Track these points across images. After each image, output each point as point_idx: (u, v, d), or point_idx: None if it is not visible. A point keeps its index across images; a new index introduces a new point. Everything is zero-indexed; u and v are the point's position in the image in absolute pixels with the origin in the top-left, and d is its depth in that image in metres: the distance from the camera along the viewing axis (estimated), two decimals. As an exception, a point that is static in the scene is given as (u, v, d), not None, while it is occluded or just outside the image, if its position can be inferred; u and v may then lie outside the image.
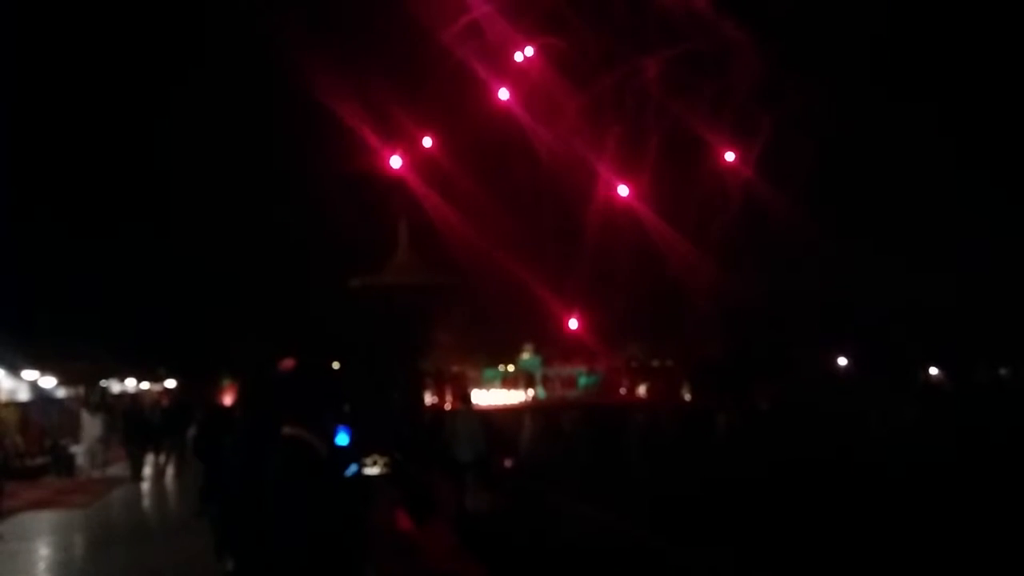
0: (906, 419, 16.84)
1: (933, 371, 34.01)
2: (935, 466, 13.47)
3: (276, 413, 3.85)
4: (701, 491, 12.20)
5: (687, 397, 33.67)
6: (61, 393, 23.10)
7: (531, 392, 35.59)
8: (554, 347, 36.92)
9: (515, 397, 34.30)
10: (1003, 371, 31.49)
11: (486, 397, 31.57)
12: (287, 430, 3.67)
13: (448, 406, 25.70)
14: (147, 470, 17.38)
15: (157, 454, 17.59)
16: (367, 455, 10.41)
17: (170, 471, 17.23)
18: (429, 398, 27.32)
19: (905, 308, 31.55)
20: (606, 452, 16.56)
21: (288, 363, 5.46)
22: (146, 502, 14.90)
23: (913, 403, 18.58)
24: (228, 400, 14.97)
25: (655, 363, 37.60)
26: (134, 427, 17.88)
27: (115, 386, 30.05)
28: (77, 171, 28.88)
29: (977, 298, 30.14)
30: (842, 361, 35.05)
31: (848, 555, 9.30)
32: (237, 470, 4.02)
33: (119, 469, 17.98)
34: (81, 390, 25.23)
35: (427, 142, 33.90)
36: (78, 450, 17.70)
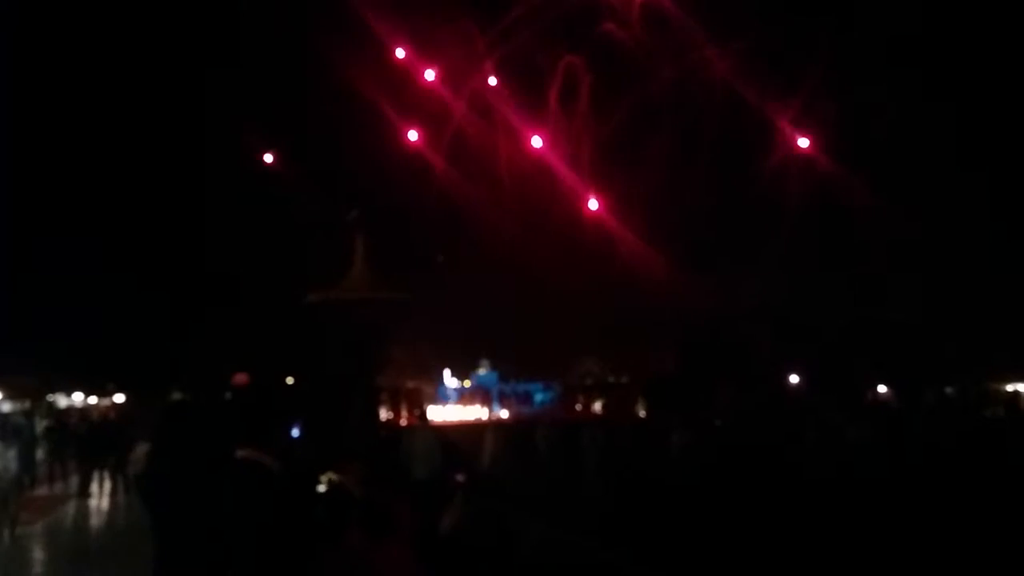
0: (851, 437, 17.12)
1: (881, 389, 34.69)
2: (879, 482, 13.77)
3: (226, 433, 3.82)
4: (654, 508, 12.32)
5: (642, 414, 33.90)
6: (7, 407, 22.56)
7: (487, 408, 35.57)
8: (510, 363, 36.98)
9: (471, 413, 34.21)
10: (949, 390, 32.22)
11: (442, 413, 31.45)
12: (240, 452, 3.66)
13: (404, 422, 25.57)
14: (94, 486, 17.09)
15: (85, 471, 17.16)
16: (324, 472, 10.32)
17: (115, 487, 16.91)
18: (385, 414, 27.15)
19: (855, 326, 32.24)
20: (563, 469, 16.62)
21: (241, 378, 5.43)
22: (92, 520, 14.67)
23: (859, 421, 18.89)
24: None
25: (611, 379, 37.86)
26: (68, 444, 17.66)
27: (62, 400, 29.41)
28: (24, 178, 28.29)
29: (926, 317, 30.89)
30: (794, 379, 35.65)
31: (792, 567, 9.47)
32: (181, 493, 3.92)
33: (65, 486, 17.71)
34: (27, 404, 24.67)
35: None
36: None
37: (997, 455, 16.30)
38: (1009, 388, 33.33)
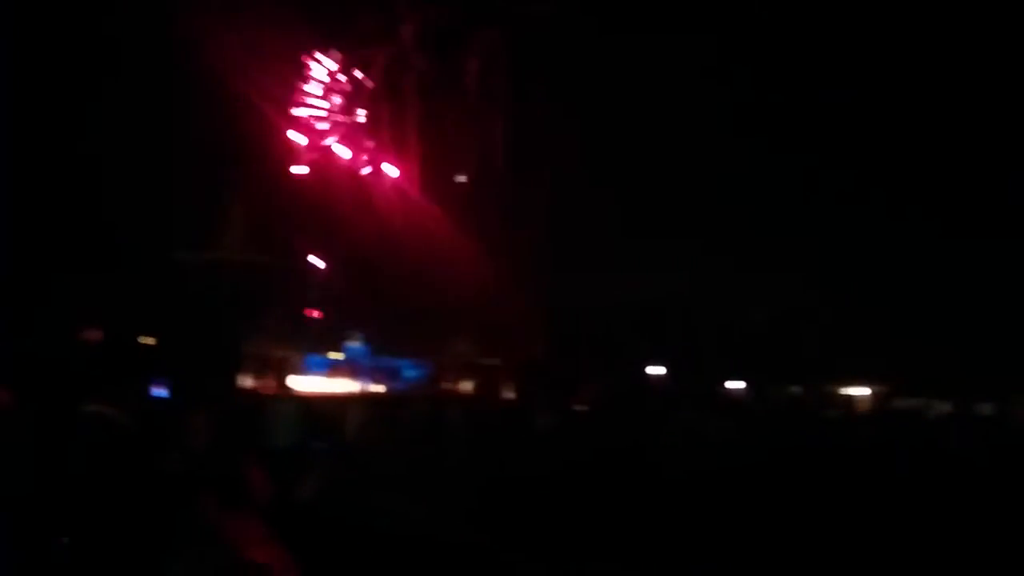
0: (712, 432, 17.94)
1: (738, 385, 36.37)
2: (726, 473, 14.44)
3: (75, 387, 3.73)
4: (512, 486, 12.54)
5: (510, 395, 34.43)
6: None
7: (356, 381, 35.26)
8: (383, 338, 36.79)
9: (340, 385, 33.87)
10: (794, 389, 34.21)
11: (309, 384, 30.95)
12: (90, 407, 3.57)
13: (269, 391, 25.07)
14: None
15: None
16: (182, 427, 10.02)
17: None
18: (250, 382, 26.49)
19: (718, 322, 33.76)
20: (428, 445, 16.68)
21: (94, 334, 5.24)
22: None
23: (720, 416, 19.84)
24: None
25: (482, 361, 38.16)
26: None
27: None
28: None
29: (786, 315, 32.70)
30: (656, 371, 36.90)
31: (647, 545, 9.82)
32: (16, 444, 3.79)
33: None
34: None
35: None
36: None
37: (836, 451, 17.52)
38: (845, 392, 35.85)
